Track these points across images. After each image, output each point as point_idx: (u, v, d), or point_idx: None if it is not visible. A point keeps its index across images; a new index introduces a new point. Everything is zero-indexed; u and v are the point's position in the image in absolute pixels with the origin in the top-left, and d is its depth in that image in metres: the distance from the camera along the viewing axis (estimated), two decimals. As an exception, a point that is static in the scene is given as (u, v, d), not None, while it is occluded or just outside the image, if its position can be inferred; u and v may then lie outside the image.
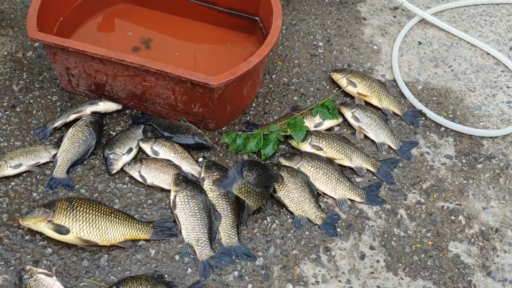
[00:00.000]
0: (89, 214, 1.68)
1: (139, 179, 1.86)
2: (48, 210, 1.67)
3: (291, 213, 1.82)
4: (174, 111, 2.03)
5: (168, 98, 1.95)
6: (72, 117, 2.02)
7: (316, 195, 1.85)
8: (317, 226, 1.79)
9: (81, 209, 1.68)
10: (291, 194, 1.82)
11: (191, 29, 2.37)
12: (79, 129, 1.95)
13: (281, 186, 1.82)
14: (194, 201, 1.75)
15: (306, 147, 1.97)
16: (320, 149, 1.96)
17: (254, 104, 2.19)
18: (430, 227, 1.82)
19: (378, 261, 1.73)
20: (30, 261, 1.65)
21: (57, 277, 1.58)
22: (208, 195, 1.80)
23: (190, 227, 1.72)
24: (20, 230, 1.72)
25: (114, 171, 1.87)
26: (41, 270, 1.57)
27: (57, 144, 1.95)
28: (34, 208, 1.68)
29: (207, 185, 1.82)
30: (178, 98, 1.94)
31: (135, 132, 1.99)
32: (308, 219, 1.80)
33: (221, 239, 1.72)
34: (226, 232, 1.73)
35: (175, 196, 1.76)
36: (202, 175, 1.85)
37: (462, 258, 1.75)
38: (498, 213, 1.87)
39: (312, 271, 1.69)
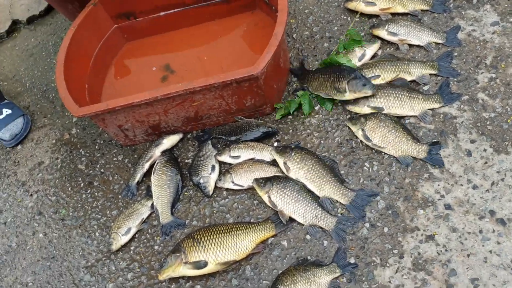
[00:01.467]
0: (215, 239, 1.75)
1: (236, 187, 1.93)
2: (178, 254, 1.76)
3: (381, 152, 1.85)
4: (230, 114, 2.06)
5: (220, 105, 1.99)
6: (147, 165, 2.09)
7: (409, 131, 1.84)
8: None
9: (206, 238, 1.76)
10: (386, 138, 1.83)
11: (200, 33, 2.38)
12: (160, 172, 2.02)
13: (373, 133, 1.84)
14: (288, 190, 1.80)
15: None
16: (378, 76, 1.97)
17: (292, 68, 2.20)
18: (514, 95, 1.83)
19: (485, 150, 1.76)
20: (188, 303, 1.75)
21: (220, 305, 1.68)
22: (298, 175, 1.84)
23: (302, 211, 1.77)
24: (164, 283, 1.82)
25: (210, 192, 1.95)
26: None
27: (148, 195, 2.03)
28: (166, 259, 1.77)
29: (293, 165, 1.85)
30: (229, 101, 1.97)
31: (207, 150, 2.05)
32: (412, 157, 1.80)
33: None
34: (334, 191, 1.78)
35: (269, 197, 1.81)
36: (282, 161, 1.87)
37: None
38: None
39: (432, 189, 1.73)
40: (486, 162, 1.73)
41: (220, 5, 2.36)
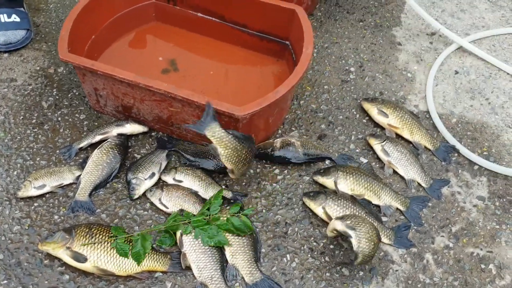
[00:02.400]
0: (107, 243, 1.67)
1: (160, 206, 1.85)
2: (68, 236, 1.67)
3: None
4: (199, 136, 2.00)
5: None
6: (98, 138, 2.02)
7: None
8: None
9: (100, 237, 1.67)
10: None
11: (221, 50, 2.34)
12: (104, 151, 1.95)
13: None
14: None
15: (331, 184, 1.91)
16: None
17: (280, 131, 2.14)
18: (457, 275, 1.74)
19: (400, 309, 1.67)
20: None
21: (72, 306, 1.58)
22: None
23: (202, 265, 1.68)
24: (40, 254, 1.72)
25: (135, 196, 1.86)
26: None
27: (82, 165, 1.95)
28: (55, 233, 1.69)
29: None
30: (203, 125, 1.91)
31: (159, 156, 1.98)
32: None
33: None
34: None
35: (181, 235, 1.73)
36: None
37: (491, 311, 1.66)
38: (532, 263, 1.78)
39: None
40: (394, 321, 1.64)
41: (253, 37, 2.33)
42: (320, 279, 1.70)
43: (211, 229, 1.69)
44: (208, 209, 1.75)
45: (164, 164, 1.96)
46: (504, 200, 1.95)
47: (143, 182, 1.88)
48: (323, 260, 1.75)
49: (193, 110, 1.85)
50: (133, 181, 1.87)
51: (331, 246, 1.79)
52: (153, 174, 1.90)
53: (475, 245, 1.82)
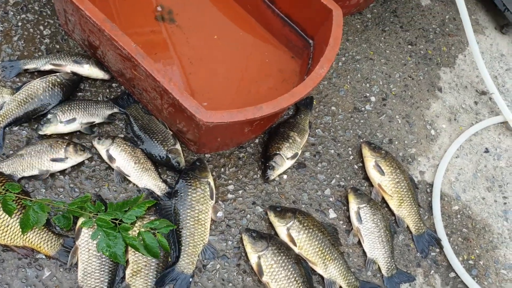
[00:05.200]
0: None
1: (106, 159, 1.57)
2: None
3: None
4: (159, 113, 1.66)
5: (155, 99, 1.59)
6: (49, 67, 1.68)
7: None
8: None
9: (-7, 189, 1.39)
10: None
11: (235, 16, 1.94)
12: (44, 85, 1.62)
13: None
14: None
15: (282, 231, 1.59)
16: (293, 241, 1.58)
17: (257, 140, 1.80)
18: None
19: None
20: None
21: None
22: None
23: (90, 270, 1.40)
24: None
25: (41, 132, 1.57)
26: None
27: (17, 89, 1.63)
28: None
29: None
30: (164, 106, 1.57)
31: (100, 110, 1.65)
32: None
33: None
34: None
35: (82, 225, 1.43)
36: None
37: None
38: None
39: None
40: None
41: (276, 18, 1.91)
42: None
43: (115, 236, 1.39)
44: (125, 212, 1.44)
45: (97, 121, 1.64)
46: (464, 328, 1.63)
47: (56, 121, 1.57)
48: (229, 315, 1.48)
49: (154, 85, 1.49)
50: (49, 115, 1.58)
51: (247, 303, 1.51)
52: (73, 120, 1.59)
53: None
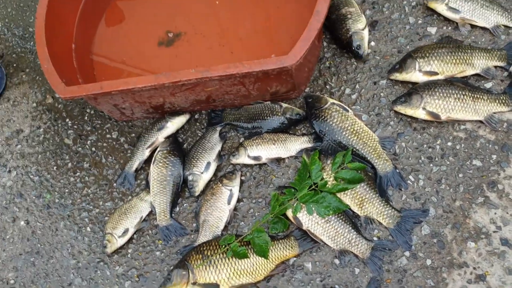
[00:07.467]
0: (228, 257, 1.50)
1: (252, 162, 1.67)
2: (184, 272, 1.52)
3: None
4: (247, 98, 1.72)
5: (238, 91, 1.64)
6: (147, 152, 1.77)
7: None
8: (469, 163, 1.54)
9: (218, 255, 1.51)
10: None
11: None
12: (160, 164, 1.71)
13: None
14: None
15: (417, 77, 1.63)
16: (435, 73, 1.61)
17: (325, 43, 1.82)
18: None
19: (555, 175, 1.48)
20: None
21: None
22: None
23: (333, 233, 1.51)
24: (168, 300, 1.59)
25: (197, 193, 1.67)
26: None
27: (148, 187, 1.73)
28: (170, 274, 1.53)
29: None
30: (249, 88, 1.62)
31: (211, 140, 1.72)
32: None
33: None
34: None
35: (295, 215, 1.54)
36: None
37: None
38: None
39: (486, 217, 1.48)
40: (555, 191, 1.47)
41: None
42: (453, 188, 1.52)
43: (323, 197, 1.48)
44: (309, 177, 1.53)
45: (219, 146, 1.72)
46: None
47: (199, 177, 1.66)
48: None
49: (233, 81, 1.54)
50: (190, 177, 1.67)
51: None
52: (208, 165, 1.67)
53: None
